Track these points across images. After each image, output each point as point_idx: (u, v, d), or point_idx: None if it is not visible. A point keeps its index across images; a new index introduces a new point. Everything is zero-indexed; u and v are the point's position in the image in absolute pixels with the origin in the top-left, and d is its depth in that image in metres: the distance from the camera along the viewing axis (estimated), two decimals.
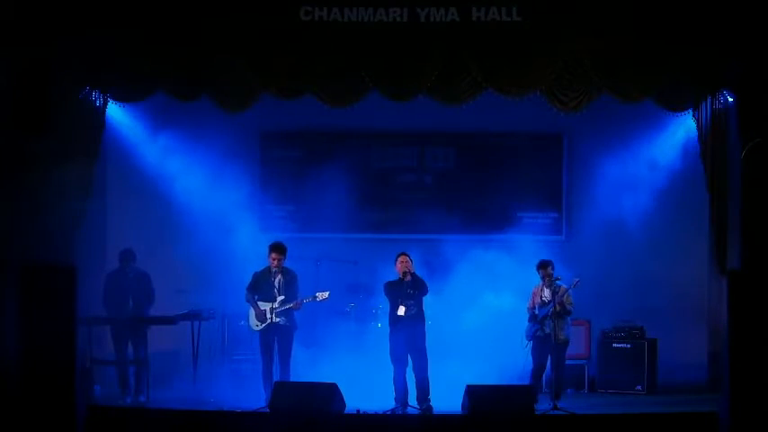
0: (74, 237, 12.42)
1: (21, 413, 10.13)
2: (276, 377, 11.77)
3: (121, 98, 12.73)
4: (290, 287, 11.99)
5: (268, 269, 12.06)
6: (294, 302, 11.90)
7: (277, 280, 12.00)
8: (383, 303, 12.06)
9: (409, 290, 11.50)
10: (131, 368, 12.28)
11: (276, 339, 11.94)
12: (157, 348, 12.61)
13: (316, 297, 11.97)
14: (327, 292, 11.99)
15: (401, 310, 11.47)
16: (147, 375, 12.04)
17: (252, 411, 10.97)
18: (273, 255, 12.00)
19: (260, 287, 12.02)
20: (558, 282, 11.96)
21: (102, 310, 12.40)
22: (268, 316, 11.87)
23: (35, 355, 10.17)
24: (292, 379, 11.77)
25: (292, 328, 12.00)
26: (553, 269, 12.03)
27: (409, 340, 11.47)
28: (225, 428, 10.57)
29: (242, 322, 12.48)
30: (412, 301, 11.50)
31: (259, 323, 11.93)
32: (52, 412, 10.10)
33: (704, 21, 11.67)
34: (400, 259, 11.69)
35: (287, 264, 12.07)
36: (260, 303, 11.96)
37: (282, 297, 11.94)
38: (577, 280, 11.81)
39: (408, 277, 11.55)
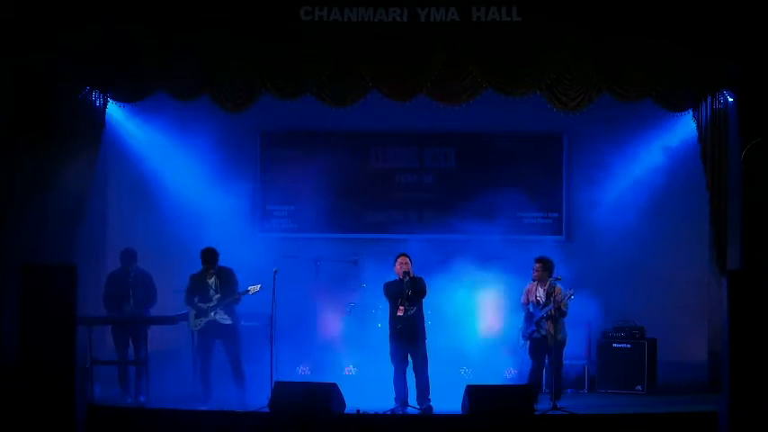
0: (74, 236, 12.43)
1: (21, 413, 10.13)
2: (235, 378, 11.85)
3: (121, 98, 12.74)
4: (226, 285, 12.00)
5: (203, 271, 12.07)
6: (235, 295, 11.89)
7: (212, 281, 12.01)
8: (383, 303, 12.04)
9: (408, 290, 11.48)
10: (131, 368, 12.28)
11: (221, 342, 11.96)
12: (157, 348, 12.60)
13: (248, 290, 11.97)
14: (259, 285, 11.95)
15: (401, 311, 11.46)
16: (146, 375, 12.03)
17: (252, 411, 10.96)
18: (205, 266, 12.03)
19: (197, 289, 12.03)
20: (557, 282, 11.88)
21: (103, 310, 12.39)
22: (208, 313, 11.88)
23: (35, 354, 10.18)
24: (250, 380, 11.81)
25: (236, 326, 12.01)
26: (553, 267, 11.94)
27: (409, 340, 11.45)
28: (225, 428, 10.56)
29: (241, 322, 12.46)
30: (411, 302, 11.49)
31: (198, 322, 11.93)
32: (52, 412, 10.11)
33: (704, 21, 11.68)
34: (399, 260, 11.67)
35: (281, 263, 12.06)
36: (199, 305, 11.98)
37: (219, 295, 11.95)
38: (572, 293, 11.74)
39: (408, 278, 11.54)
